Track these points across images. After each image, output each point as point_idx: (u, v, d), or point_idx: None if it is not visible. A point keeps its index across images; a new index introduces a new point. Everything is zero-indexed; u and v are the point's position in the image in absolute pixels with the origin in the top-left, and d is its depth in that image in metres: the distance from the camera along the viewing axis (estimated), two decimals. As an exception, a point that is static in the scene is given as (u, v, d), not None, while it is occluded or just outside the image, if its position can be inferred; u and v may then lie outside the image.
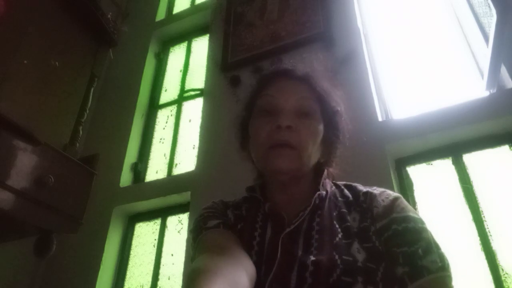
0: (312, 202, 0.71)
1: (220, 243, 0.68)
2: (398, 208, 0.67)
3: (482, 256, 1.49)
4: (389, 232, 0.65)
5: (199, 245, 0.71)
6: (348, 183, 0.80)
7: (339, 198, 0.75)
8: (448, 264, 0.61)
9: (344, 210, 0.71)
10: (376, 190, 0.74)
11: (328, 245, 0.65)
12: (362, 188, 0.76)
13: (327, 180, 0.79)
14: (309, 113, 0.75)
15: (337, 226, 0.68)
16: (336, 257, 0.62)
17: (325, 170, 0.80)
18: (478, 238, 1.53)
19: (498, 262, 1.47)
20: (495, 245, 1.50)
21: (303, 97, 0.76)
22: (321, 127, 0.76)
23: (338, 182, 0.81)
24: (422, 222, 0.65)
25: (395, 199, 0.69)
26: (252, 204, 0.80)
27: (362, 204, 0.72)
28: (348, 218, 0.70)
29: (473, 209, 1.59)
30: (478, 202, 1.60)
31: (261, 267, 0.66)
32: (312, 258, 0.63)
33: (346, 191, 0.76)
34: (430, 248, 0.61)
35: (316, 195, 0.72)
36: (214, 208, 0.79)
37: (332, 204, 0.73)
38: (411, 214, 0.66)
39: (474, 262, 1.49)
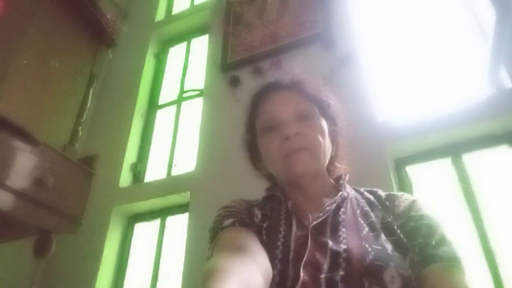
0: (337, 200, 0.74)
1: (235, 241, 0.68)
2: (416, 208, 0.73)
3: (482, 256, 1.49)
4: (407, 228, 0.70)
5: (216, 246, 0.72)
6: (369, 188, 0.83)
7: (361, 200, 0.78)
8: (460, 258, 0.65)
9: (367, 208, 0.75)
10: (396, 193, 0.79)
11: (356, 237, 0.68)
12: (382, 192, 0.80)
13: (347, 184, 0.82)
14: (308, 114, 0.79)
15: (362, 221, 0.72)
16: (367, 245, 0.65)
17: (347, 175, 0.83)
18: (477, 238, 1.53)
19: (498, 262, 1.47)
20: (495, 245, 1.50)
21: (297, 102, 0.80)
22: (324, 123, 0.80)
23: (358, 188, 0.84)
24: (438, 222, 0.71)
25: (414, 201, 0.75)
26: (274, 203, 0.81)
27: (385, 202, 0.76)
28: (372, 214, 0.73)
29: (473, 209, 1.59)
30: (477, 202, 1.60)
31: (289, 254, 0.67)
32: (343, 246, 0.65)
33: (367, 194, 0.80)
34: (443, 241, 0.67)
35: (339, 194, 0.76)
36: (233, 207, 0.80)
37: (354, 204, 0.76)
38: (427, 213, 0.72)
39: (474, 262, 1.49)
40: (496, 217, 1.55)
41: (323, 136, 0.77)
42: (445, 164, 1.75)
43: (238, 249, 0.65)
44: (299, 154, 0.74)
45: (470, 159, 1.71)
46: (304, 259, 0.65)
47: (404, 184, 1.75)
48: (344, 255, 0.64)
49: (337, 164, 0.86)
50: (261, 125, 0.82)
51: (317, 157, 0.75)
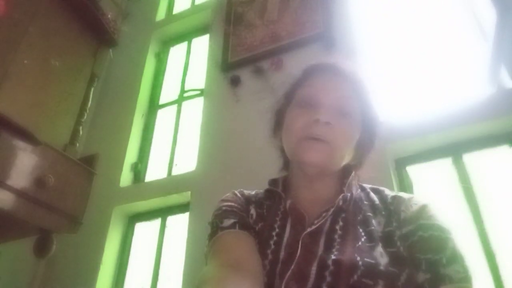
0: (336, 203, 0.69)
1: (232, 251, 0.67)
2: (426, 215, 0.66)
3: (482, 256, 1.49)
4: (414, 238, 0.64)
5: (213, 248, 0.70)
6: (375, 186, 0.79)
7: (365, 202, 0.73)
8: (471, 277, 0.59)
9: (369, 213, 0.70)
10: (404, 195, 0.73)
11: (350, 247, 0.64)
12: (389, 192, 0.75)
13: (353, 182, 0.77)
14: (349, 113, 0.73)
15: (360, 230, 0.67)
16: (358, 258, 0.61)
17: (353, 172, 0.78)
18: (478, 238, 1.53)
19: (498, 262, 1.47)
20: (495, 245, 1.50)
21: (346, 96, 0.74)
22: (358, 130, 0.75)
23: (365, 185, 0.80)
24: (449, 232, 0.64)
25: (424, 206, 0.68)
26: (273, 201, 0.78)
27: (390, 206, 0.70)
28: (373, 221, 0.68)
29: (473, 209, 1.59)
30: (478, 202, 1.60)
31: (277, 265, 0.65)
32: (333, 257, 0.62)
33: (372, 194, 0.75)
34: (454, 258, 0.60)
35: (341, 196, 0.70)
36: (234, 201, 0.77)
37: (357, 207, 0.72)
38: (439, 222, 0.64)
39: (474, 262, 1.49)
40: (496, 218, 1.55)
41: (349, 141, 0.73)
42: (445, 164, 1.75)
43: (235, 261, 0.64)
44: (317, 144, 0.69)
45: (470, 159, 1.71)
46: (289, 273, 0.62)
47: (404, 184, 1.75)
48: (331, 268, 0.61)
49: (354, 171, 0.80)
50: (300, 97, 0.76)
51: (332, 156, 0.70)
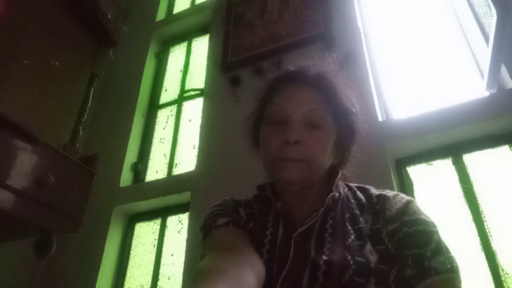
0: (326, 203, 0.71)
1: (228, 242, 0.68)
2: (410, 211, 0.66)
3: (482, 256, 1.49)
4: (400, 234, 0.64)
5: (208, 244, 0.71)
6: (361, 185, 0.79)
7: (352, 200, 0.74)
8: (457, 267, 0.60)
9: (356, 211, 0.71)
10: (389, 193, 0.73)
11: (340, 246, 0.64)
12: (375, 191, 0.75)
13: (340, 182, 0.78)
14: (319, 124, 0.72)
15: (349, 227, 0.68)
16: (349, 257, 0.62)
17: (340, 172, 0.79)
18: (478, 238, 1.53)
19: (498, 262, 1.47)
20: (495, 245, 1.50)
21: (313, 108, 0.73)
22: (332, 136, 0.74)
23: (351, 184, 0.80)
24: (434, 226, 0.65)
25: (408, 202, 0.69)
26: (263, 203, 0.79)
27: (375, 205, 0.71)
28: (361, 219, 0.69)
29: (473, 209, 1.59)
30: (478, 202, 1.60)
31: (273, 265, 0.65)
32: (325, 257, 0.63)
33: (359, 193, 0.76)
34: (439, 250, 0.61)
35: (330, 196, 0.72)
36: (224, 206, 0.79)
37: (344, 206, 0.73)
38: (423, 217, 0.65)
39: (474, 262, 1.49)
40: (496, 218, 1.55)
41: (325, 149, 0.72)
42: (445, 164, 1.75)
43: (231, 250, 0.64)
44: (290, 163, 0.69)
45: (470, 159, 1.71)
46: (283, 274, 0.63)
47: (404, 185, 1.75)
48: (324, 268, 0.62)
49: (340, 170, 0.81)
50: (269, 115, 0.76)
51: (309, 170, 0.70)
